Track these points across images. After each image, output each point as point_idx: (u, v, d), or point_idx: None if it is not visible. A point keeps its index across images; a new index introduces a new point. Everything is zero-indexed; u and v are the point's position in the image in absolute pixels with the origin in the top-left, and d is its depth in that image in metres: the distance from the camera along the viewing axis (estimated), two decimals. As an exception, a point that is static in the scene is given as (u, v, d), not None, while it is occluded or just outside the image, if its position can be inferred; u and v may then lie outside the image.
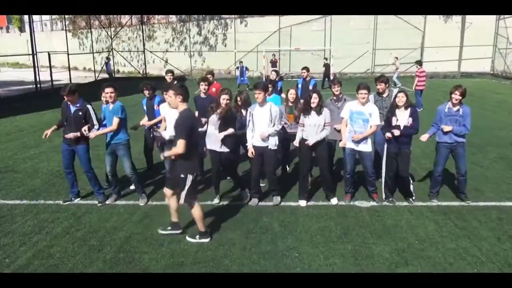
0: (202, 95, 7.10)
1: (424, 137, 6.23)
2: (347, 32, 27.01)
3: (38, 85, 20.35)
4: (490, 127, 11.60)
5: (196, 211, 5.05)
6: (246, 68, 21.79)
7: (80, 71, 32.12)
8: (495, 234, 5.28)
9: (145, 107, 7.28)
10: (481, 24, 26.19)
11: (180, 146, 4.67)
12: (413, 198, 6.31)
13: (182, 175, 4.86)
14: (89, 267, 4.60)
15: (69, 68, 23.97)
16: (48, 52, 21.35)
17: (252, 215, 5.94)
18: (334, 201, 6.30)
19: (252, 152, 6.13)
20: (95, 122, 6.11)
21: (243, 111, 6.57)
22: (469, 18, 26.27)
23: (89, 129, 6.05)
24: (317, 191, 6.68)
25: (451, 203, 6.25)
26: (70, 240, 5.24)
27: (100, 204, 6.32)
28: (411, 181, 6.40)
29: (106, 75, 27.12)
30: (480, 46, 26.54)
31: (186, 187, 4.87)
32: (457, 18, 26.72)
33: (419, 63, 15.06)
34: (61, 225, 5.68)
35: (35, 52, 20.10)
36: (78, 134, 5.98)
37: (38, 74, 20.09)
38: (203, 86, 7.08)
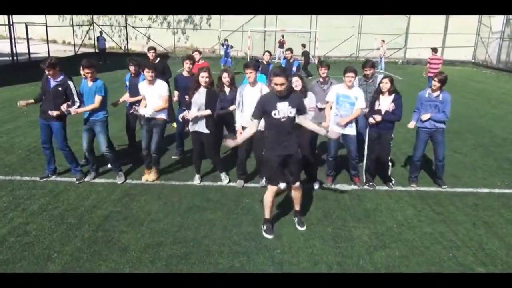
0: (185, 74, 6.96)
1: (411, 124, 6.29)
2: (333, 15, 26.84)
3: (15, 58, 19.64)
4: (469, 115, 11.81)
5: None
6: (231, 47, 20.91)
7: (59, 44, 31.01)
8: (470, 219, 5.41)
9: (127, 83, 7.08)
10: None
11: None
12: (393, 182, 6.40)
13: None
14: (66, 245, 4.51)
15: (47, 41, 23.09)
16: (25, 23, 20.53)
17: (234, 196, 5.92)
18: (315, 185, 6.32)
19: (240, 133, 6.05)
20: (76, 98, 5.94)
21: (227, 89, 6.45)
22: (454, 6, 26.44)
23: (69, 106, 5.88)
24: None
25: (429, 189, 6.37)
26: (47, 217, 5.12)
27: (78, 182, 6.19)
28: (390, 165, 6.48)
29: (89, 50, 26.31)
30: (463, 34, 26.86)
31: None
32: (442, 6, 26.85)
33: (434, 49, 14.37)
34: (37, 202, 5.54)
35: (11, 23, 19.30)
36: (59, 112, 5.82)
37: (15, 46, 19.35)
38: (187, 65, 6.92)
